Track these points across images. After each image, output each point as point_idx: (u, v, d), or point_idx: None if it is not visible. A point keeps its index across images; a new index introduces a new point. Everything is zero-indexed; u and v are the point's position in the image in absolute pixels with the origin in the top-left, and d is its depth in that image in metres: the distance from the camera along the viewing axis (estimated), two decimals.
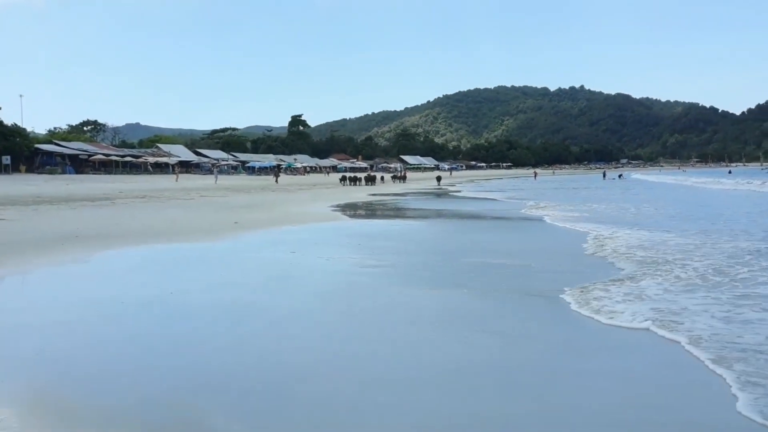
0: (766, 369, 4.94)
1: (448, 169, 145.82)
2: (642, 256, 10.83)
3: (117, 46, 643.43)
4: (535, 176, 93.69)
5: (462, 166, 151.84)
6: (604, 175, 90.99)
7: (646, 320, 6.48)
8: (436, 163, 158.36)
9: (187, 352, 5.79)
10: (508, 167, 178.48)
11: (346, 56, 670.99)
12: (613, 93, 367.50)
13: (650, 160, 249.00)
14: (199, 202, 29.06)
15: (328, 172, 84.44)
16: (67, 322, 6.81)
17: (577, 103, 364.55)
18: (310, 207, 26.40)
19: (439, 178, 61.45)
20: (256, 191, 41.09)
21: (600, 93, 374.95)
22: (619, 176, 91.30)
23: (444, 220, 21.83)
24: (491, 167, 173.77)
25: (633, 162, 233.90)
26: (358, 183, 56.53)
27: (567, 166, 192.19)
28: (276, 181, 56.20)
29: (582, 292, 7.94)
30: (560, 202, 30.65)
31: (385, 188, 50.34)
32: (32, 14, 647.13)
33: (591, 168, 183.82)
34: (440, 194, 40.76)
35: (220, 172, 72.34)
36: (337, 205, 27.77)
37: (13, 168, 59.68)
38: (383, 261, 11.05)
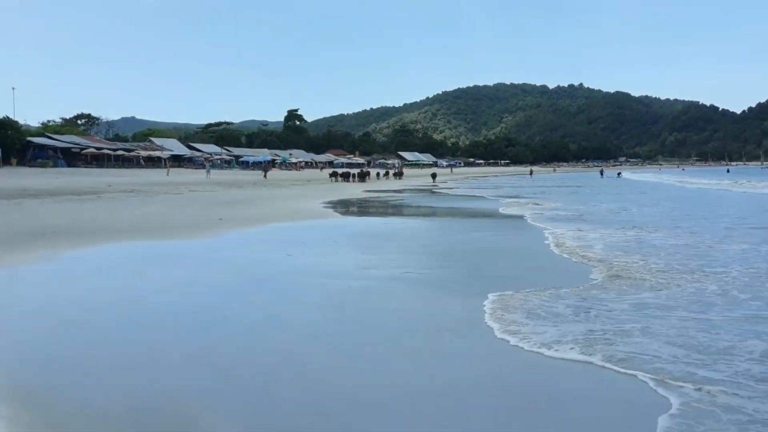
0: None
1: (447, 165, 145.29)
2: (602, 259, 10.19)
3: (113, 39, 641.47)
4: (531, 174, 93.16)
5: (460, 163, 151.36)
6: (602, 174, 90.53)
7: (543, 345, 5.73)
8: (435, 159, 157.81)
9: (129, 371, 5.12)
10: (507, 164, 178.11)
11: (345, 51, 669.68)
12: (612, 91, 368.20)
13: (649, 158, 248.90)
14: (187, 197, 28.43)
15: (322, 168, 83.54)
16: (11, 331, 6.21)
17: (576, 101, 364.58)
18: (302, 203, 25.75)
19: (434, 176, 59.35)
20: (248, 186, 40.46)
21: (599, 91, 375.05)
22: (618, 174, 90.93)
23: (427, 218, 21.35)
24: (489, 164, 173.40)
25: (631, 160, 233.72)
26: (351, 179, 54.60)
27: (565, 164, 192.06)
28: (265, 176, 55.19)
29: (501, 298, 7.44)
30: (549, 200, 29.97)
31: (380, 185, 49.66)
32: (27, 4, 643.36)
33: (589, 166, 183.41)
34: (433, 192, 40.08)
35: (213, 166, 71.59)
36: (330, 202, 27.12)
37: (4, 161, 58.80)
38: (371, 260, 10.45)
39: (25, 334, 6.08)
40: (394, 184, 52.48)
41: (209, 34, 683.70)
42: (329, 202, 26.85)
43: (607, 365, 5.10)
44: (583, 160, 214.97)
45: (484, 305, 7.07)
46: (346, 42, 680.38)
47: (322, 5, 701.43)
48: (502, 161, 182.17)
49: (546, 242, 12.84)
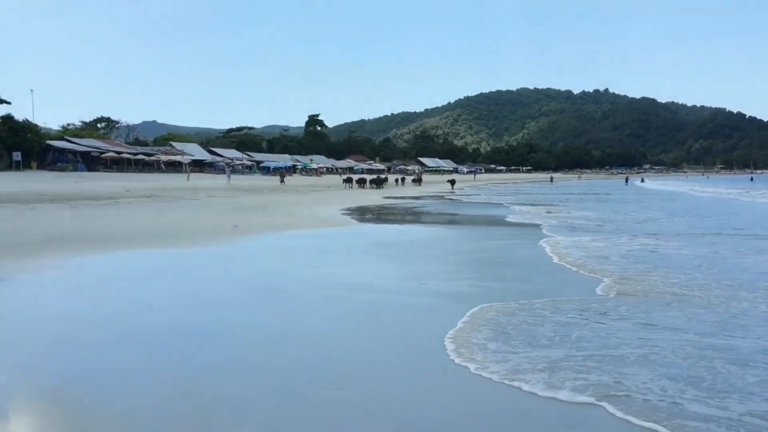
0: None
1: (468, 172, 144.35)
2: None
3: (136, 43, 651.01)
4: (552, 181, 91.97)
5: (481, 170, 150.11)
6: (627, 181, 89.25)
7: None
8: (455, 166, 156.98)
9: (111, 396, 4.67)
10: (528, 171, 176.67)
11: (366, 56, 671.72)
12: (638, 97, 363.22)
13: (674, 165, 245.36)
14: (205, 202, 28.18)
15: (342, 174, 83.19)
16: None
17: (601, 107, 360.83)
18: (320, 210, 25.35)
19: (452, 182, 57.87)
20: (268, 192, 40.23)
21: (625, 96, 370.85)
22: (642, 180, 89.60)
23: (444, 226, 20.76)
24: (511, 171, 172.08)
25: (656, 167, 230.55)
26: (367, 185, 53.02)
27: (588, 171, 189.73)
28: (281, 181, 54.60)
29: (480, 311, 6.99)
30: (569, 209, 29.14)
31: (399, 191, 49.13)
32: (50, 7, 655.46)
33: (613, 173, 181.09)
34: (451, 199, 39.38)
35: (234, 171, 71.62)
36: (348, 209, 26.66)
37: (24, 164, 59.05)
38: (384, 271, 9.93)
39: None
40: (412, 190, 51.89)
41: (233, 38, 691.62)
42: (347, 209, 26.39)
43: (577, 400, 4.45)
44: (607, 167, 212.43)
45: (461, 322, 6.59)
46: (368, 47, 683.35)
47: (345, 10, 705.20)
48: (524, 168, 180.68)
49: (558, 252, 12.20)
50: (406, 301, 7.89)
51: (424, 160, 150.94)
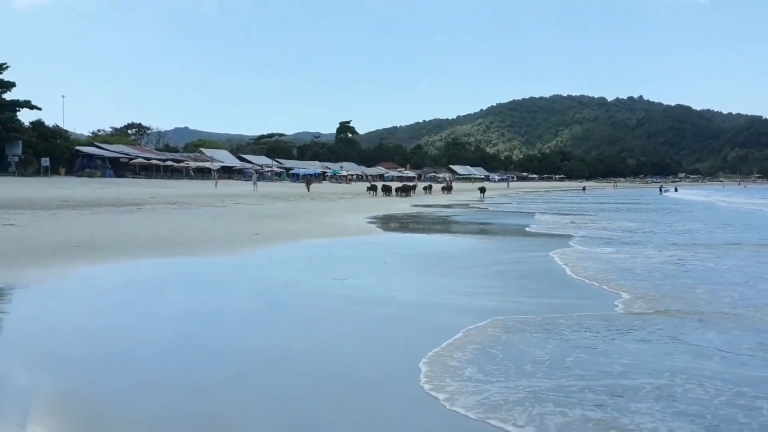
0: None
1: (500, 180, 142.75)
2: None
3: (169, 50, 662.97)
4: (584, 190, 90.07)
5: (513, 177, 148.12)
6: (661, 190, 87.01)
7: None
8: (487, 173, 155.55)
9: (102, 413, 4.13)
10: (561, 179, 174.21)
11: (399, 63, 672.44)
12: (672, 104, 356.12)
13: (709, 174, 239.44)
14: (229, 209, 27.72)
15: (370, 181, 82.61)
16: None
17: (635, 114, 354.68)
18: (345, 218, 24.71)
19: (482, 190, 55.25)
20: (295, 199, 39.73)
21: (659, 104, 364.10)
22: (675, 189, 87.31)
23: (469, 235, 20.06)
24: (543, 179, 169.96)
25: (691, 176, 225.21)
26: (393, 194, 50.79)
27: (622, 180, 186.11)
28: (308, 189, 53.85)
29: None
30: (598, 219, 27.94)
31: (428, 199, 48.28)
32: (84, 14, 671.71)
33: (647, 182, 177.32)
34: (480, 208, 38.37)
35: (264, 178, 71.61)
36: (375, 217, 25.97)
37: (53, 170, 59.76)
38: (403, 283, 9.26)
39: None
40: (441, 198, 50.98)
41: (267, 46, 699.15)
42: (373, 217, 25.70)
43: None
44: (641, 176, 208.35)
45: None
46: (400, 54, 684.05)
47: (378, 17, 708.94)
48: (557, 176, 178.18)
49: (582, 265, 11.42)
50: (421, 316, 7.34)
51: (455, 167, 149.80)
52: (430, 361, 5.40)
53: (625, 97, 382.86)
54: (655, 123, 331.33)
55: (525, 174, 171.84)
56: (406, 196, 50.28)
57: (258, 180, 59.61)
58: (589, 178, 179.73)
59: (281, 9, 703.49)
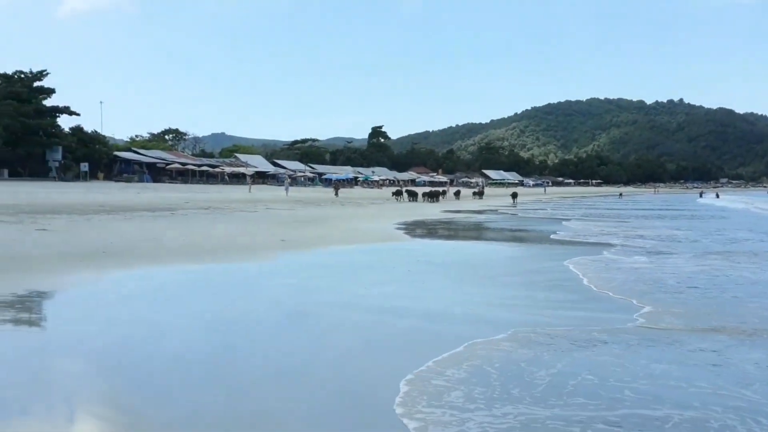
0: None
1: (534, 185, 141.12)
2: None
3: (206, 57, 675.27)
4: (621, 196, 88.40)
5: (548, 182, 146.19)
6: (701, 195, 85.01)
7: None
8: (521, 178, 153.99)
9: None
10: (598, 184, 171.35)
11: (431, 67, 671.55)
12: (714, 107, 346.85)
13: (752, 179, 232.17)
14: (261, 214, 27.94)
15: (401, 186, 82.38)
16: None
17: (675, 118, 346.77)
18: (373, 224, 24.67)
19: (514, 195, 54.00)
20: (326, 205, 39.84)
21: (700, 107, 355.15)
22: (717, 195, 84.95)
23: (498, 243, 19.68)
24: (579, 184, 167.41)
25: (733, 182, 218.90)
26: (419, 198, 49.70)
27: (662, 185, 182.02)
28: (336, 194, 53.40)
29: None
30: (631, 227, 27.24)
31: (459, 205, 47.91)
32: (123, 23, 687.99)
33: (688, 187, 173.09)
34: (513, 214, 37.88)
35: (297, 183, 72.16)
36: (404, 223, 25.86)
37: (92, 175, 61.22)
38: (424, 293, 9.12)
39: None
40: (473, 204, 50.55)
41: (301, 52, 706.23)
42: (403, 223, 25.58)
43: None
44: (681, 181, 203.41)
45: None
46: (432, 58, 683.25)
47: (410, 22, 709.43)
48: (593, 181, 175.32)
49: (613, 276, 10.99)
50: (437, 329, 7.10)
51: (488, 172, 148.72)
52: (415, 378, 5.08)
53: (665, 100, 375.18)
54: (696, 127, 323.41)
55: (560, 179, 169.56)
56: (434, 201, 49.26)
57: (291, 185, 60.06)
58: (627, 183, 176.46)
59: (316, 16, 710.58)
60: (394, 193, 52.51)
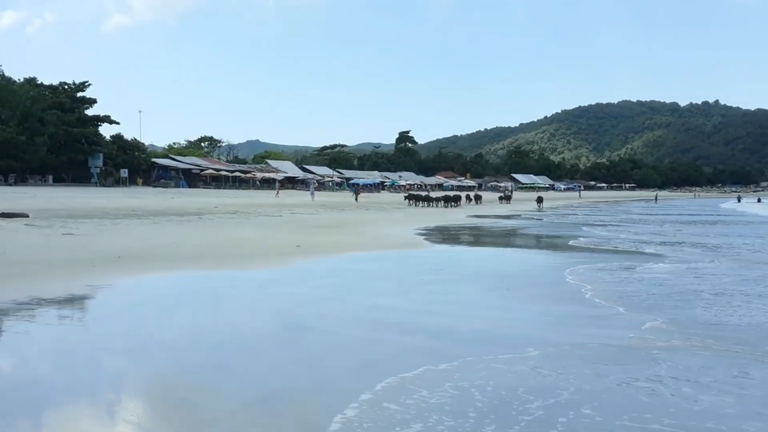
0: None
1: (565, 189, 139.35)
2: None
3: (242, 68, 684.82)
4: (656, 200, 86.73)
5: (580, 186, 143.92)
6: (739, 200, 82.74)
7: None
8: (552, 182, 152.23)
9: None
10: (631, 188, 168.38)
11: (460, 71, 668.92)
12: (752, 108, 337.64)
13: None
14: (284, 219, 28.13)
15: (428, 190, 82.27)
16: None
17: (711, 120, 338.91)
18: (394, 229, 24.57)
19: (540, 200, 53.01)
20: (350, 209, 39.97)
21: (737, 109, 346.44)
22: (758, 200, 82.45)
23: (515, 249, 19.25)
24: (612, 188, 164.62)
25: None
26: (434, 204, 47.45)
27: (698, 189, 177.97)
28: (356, 199, 52.75)
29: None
30: (661, 234, 26.64)
31: (485, 210, 47.55)
32: (164, 33, 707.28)
33: (725, 191, 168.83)
34: (538, 219, 37.43)
35: (325, 188, 72.65)
36: (426, 228, 25.75)
37: (131, 180, 63.07)
38: (430, 304, 8.96)
39: None
40: (500, 209, 50.04)
41: (331, 61, 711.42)
42: (424, 229, 25.50)
43: None
44: (719, 185, 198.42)
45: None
46: (461, 61, 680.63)
47: (439, 26, 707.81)
48: (627, 185, 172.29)
49: (636, 289, 10.65)
50: (437, 346, 6.83)
51: (517, 176, 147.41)
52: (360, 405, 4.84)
53: (700, 102, 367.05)
54: (733, 129, 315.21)
55: (592, 183, 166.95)
56: (455, 206, 47.79)
57: (319, 190, 60.55)
58: (661, 187, 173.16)
59: (344, 24, 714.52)
60: (406, 197, 51.00)
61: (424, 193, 55.70)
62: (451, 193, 59.50)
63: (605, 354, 6.46)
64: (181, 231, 20.49)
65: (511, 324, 8.04)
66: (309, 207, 39.84)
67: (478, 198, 57.74)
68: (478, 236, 23.94)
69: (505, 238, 23.52)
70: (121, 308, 8.71)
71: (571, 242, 20.54)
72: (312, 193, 54.21)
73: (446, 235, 23.41)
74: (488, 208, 49.17)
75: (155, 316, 8.27)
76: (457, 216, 36.80)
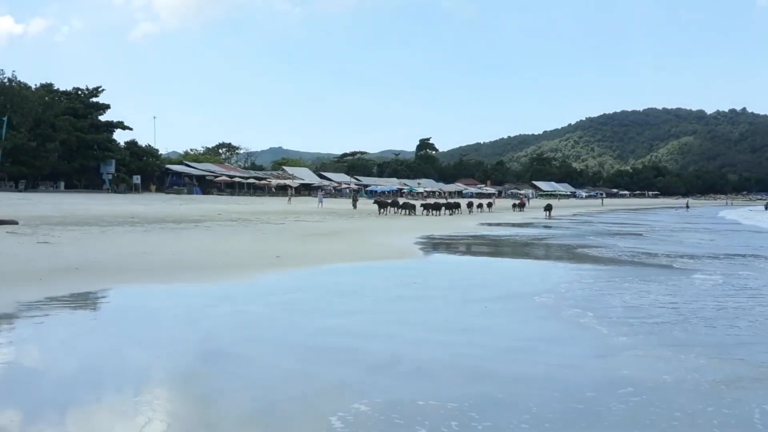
0: None
1: (587, 196, 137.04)
2: None
3: (268, 74, 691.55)
4: (687, 207, 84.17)
5: (602, 194, 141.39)
6: (766, 207, 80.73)
7: None
8: (573, 189, 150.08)
9: None
10: (655, 196, 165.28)
11: (483, 78, 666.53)
12: None
13: None
14: (286, 227, 27.19)
15: (448, 198, 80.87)
16: None
17: (738, 127, 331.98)
18: (395, 238, 23.41)
19: (548, 208, 49.21)
20: (359, 216, 38.91)
21: (765, 116, 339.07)
22: None
23: (535, 262, 18.04)
24: (635, 195, 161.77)
25: None
26: (423, 211, 43.47)
27: (722, 196, 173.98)
28: (354, 206, 49.41)
29: None
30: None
31: (500, 217, 46.16)
32: (190, 42, 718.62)
33: (751, 198, 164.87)
34: (546, 227, 36.08)
35: (342, 195, 71.88)
36: (429, 237, 24.62)
37: (144, 187, 62.71)
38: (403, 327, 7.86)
39: None
40: (515, 217, 48.50)
41: (355, 68, 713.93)
42: (427, 237, 24.39)
43: None
44: (744, 192, 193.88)
45: None
46: (484, 69, 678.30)
47: (463, 33, 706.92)
48: (650, 192, 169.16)
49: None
50: (371, 384, 5.69)
51: (539, 183, 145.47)
52: None
53: (726, 110, 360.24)
54: (760, 137, 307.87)
55: (615, 190, 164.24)
56: (437, 214, 43.28)
57: (335, 197, 59.54)
58: (685, 194, 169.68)
59: (369, 31, 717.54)
60: (376, 202, 46.30)
61: (409, 202, 49.23)
62: (442, 201, 56.38)
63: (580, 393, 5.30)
64: (166, 239, 19.63)
65: (471, 350, 6.90)
66: (316, 214, 38.97)
67: (488, 205, 55.85)
68: (479, 246, 22.66)
69: (509, 248, 22.24)
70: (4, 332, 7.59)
71: (579, 251, 19.27)
72: (320, 201, 53.10)
73: (447, 245, 22.23)
74: (502, 216, 47.75)
75: (29, 343, 7.05)
76: (469, 224, 35.60)
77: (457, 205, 48.94)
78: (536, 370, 6.14)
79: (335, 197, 76.18)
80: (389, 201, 44.59)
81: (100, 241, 18.06)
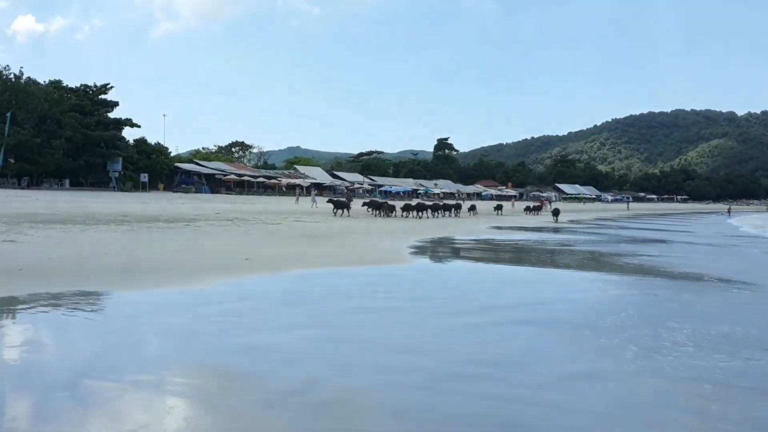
0: None
1: (613, 200, 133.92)
2: None
3: (287, 74, 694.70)
4: (729, 212, 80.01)
5: (629, 198, 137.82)
6: None
7: None
8: (598, 193, 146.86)
9: None
10: (683, 200, 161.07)
11: (507, 78, 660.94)
12: None
13: None
14: (279, 227, 26.06)
15: (464, 199, 78.96)
16: None
17: None
18: (390, 241, 22.06)
19: (556, 212, 45.95)
20: (361, 217, 37.49)
21: None
22: None
23: (541, 270, 16.55)
24: (663, 200, 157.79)
25: None
26: (401, 213, 39.73)
27: (756, 202, 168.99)
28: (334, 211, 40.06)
29: None
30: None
31: (514, 220, 44.52)
32: (210, 40, 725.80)
33: None
34: (556, 230, 34.38)
35: (355, 195, 70.52)
36: (428, 240, 23.34)
37: (152, 185, 61.95)
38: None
39: None
40: (529, 220, 46.88)
41: (376, 68, 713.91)
42: (426, 241, 23.13)
43: None
44: None
45: None
46: (507, 68, 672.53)
47: (488, 34, 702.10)
48: (679, 197, 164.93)
49: None
50: (259, 424, 4.49)
51: (562, 186, 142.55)
52: None
53: (758, 112, 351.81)
54: None
55: (642, 194, 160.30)
56: (419, 216, 39.96)
57: (349, 196, 57.81)
58: (716, 199, 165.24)
59: (390, 31, 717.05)
60: (328, 200, 42.13)
61: (388, 203, 43.71)
62: (429, 202, 51.95)
63: None
64: (142, 240, 18.59)
65: (408, 377, 5.64)
66: (317, 215, 37.69)
67: (473, 208, 50.96)
68: (476, 251, 21.26)
69: (510, 254, 20.78)
70: None
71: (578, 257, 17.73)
72: (314, 201, 50.64)
73: (443, 249, 20.95)
74: (516, 219, 46.02)
75: None
76: (478, 227, 34.16)
77: (450, 207, 45.64)
78: (479, 406, 4.77)
79: (342, 197, 74.65)
80: (345, 201, 39.94)
81: (71, 241, 17.10)
